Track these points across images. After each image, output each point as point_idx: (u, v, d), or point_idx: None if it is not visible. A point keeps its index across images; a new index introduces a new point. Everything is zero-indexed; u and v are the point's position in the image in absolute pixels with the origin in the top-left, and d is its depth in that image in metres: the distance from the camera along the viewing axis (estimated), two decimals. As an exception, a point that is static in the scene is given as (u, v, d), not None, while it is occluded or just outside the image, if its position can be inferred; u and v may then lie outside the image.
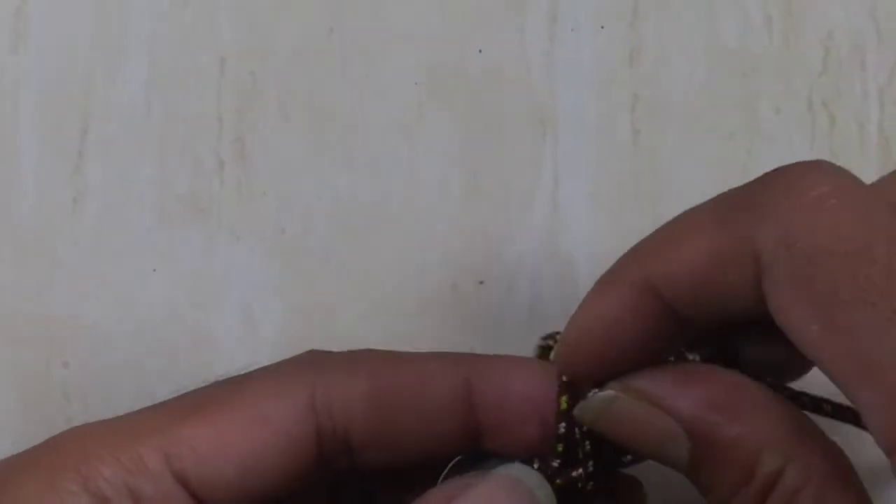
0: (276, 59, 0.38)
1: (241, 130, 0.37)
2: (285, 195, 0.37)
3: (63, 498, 0.26)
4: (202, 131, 0.37)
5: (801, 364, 0.29)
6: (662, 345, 0.27)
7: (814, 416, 0.28)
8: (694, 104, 0.38)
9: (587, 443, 0.28)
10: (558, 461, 0.28)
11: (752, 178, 0.37)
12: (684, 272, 0.26)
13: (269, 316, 0.37)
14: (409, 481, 0.30)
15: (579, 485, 0.28)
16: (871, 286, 0.23)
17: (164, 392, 0.36)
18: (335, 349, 0.30)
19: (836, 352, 0.23)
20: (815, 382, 0.28)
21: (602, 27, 0.38)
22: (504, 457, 0.28)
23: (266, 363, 0.34)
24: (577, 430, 0.28)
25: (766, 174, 0.26)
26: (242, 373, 0.29)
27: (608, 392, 0.27)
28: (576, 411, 0.28)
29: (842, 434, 0.27)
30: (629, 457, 0.29)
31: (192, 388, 0.32)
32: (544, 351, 0.29)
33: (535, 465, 0.28)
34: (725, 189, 0.37)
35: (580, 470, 0.28)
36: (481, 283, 0.37)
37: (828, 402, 0.28)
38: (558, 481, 0.28)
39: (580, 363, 0.28)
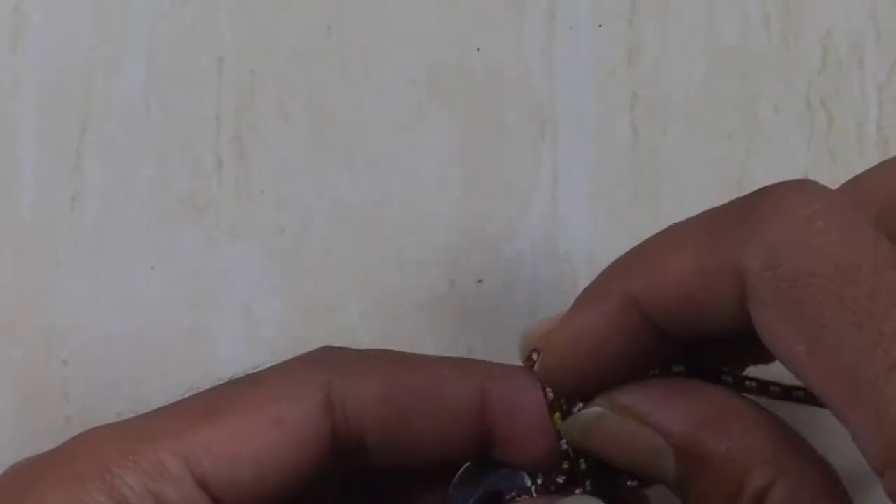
0: (276, 58, 0.38)
1: (241, 130, 0.37)
2: (284, 194, 0.37)
3: None
4: (201, 131, 0.37)
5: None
6: (646, 358, 0.27)
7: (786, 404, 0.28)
8: (693, 103, 0.38)
9: (581, 461, 0.28)
10: (563, 478, 0.28)
11: (750, 176, 0.37)
12: (668, 289, 0.26)
13: (269, 315, 0.37)
14: (420, 481, 0.30)
15: None
16: (858, 307, 0.23)
17: (163, 392, 0.36)
18: (336, 348, 0.31)
19: (823, 373, 0.23)
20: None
21: (600, 26, 0.38)
22: (513, 466, 0.29)
23: (266, 362, 0.34)
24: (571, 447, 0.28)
25: (752, 193, 0.26)
26: (256, 371, 0.29)
27: (594, 409, 0.28)
28: (562, 428, 0.28)
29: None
30: (635, 482, 0.28)
31: (192, 387, 0.32)
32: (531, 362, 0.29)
33: (539, 480, 0.28)
34: (724, 188, 0.37)
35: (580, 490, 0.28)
36: (480, 281, 0.37)
37: (799, 388, 0.28)
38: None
39: (562, 375, 0.28)
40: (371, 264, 0.37)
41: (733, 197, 0.37)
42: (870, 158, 0.37)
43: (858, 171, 0.37)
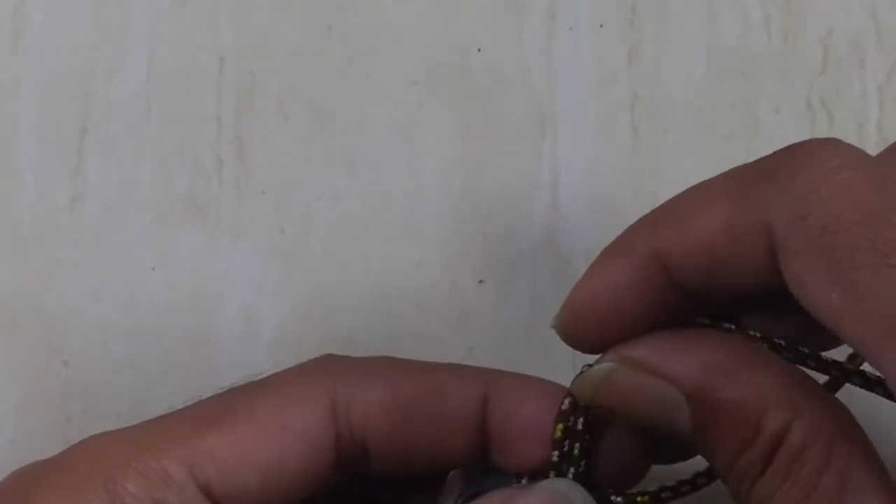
0: (276, 58, 0.38)
1: (241, 130, 0.37)
2: (285, 195, 0.37)
3: None
4: (202, 131, 0.37)
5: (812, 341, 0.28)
6: (666, 317, 0.27)
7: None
8: (693, 103, 0.38)
9: (572, 469, 0.28)
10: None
11: (751, 177, 0.37)
12: (694, 245, 0.26)
13: (269, 315, 0.37)
14: (414, 485, 0.30)
15: None
16: (890, 249, 0.23)
17: (164, 392, 0.36)
18: (335, 349, 0.31)
19: (857, 316, 0.23)
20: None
21: (601, 26, 0.38)
22: (503, 472, 0.29)
23: (266, 363, 0.34)
24: (575, 450, 0.28)
25: (780, 150, 0.26)
26: (260, 378, 0.29)
27: (605, 364, 0.27)
28: (573, 387, 0.28)
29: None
30: (619, 498, 0.28)
31: (192, 387, 0.32)
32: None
33: (524, 481, 0.28)
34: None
35: None
36: (481, 282, 0.37)
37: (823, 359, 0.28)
38: None
39: (580, 328, 0.28)
40: (371, 265, 0.37)
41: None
42: (870, 159, 0.37)
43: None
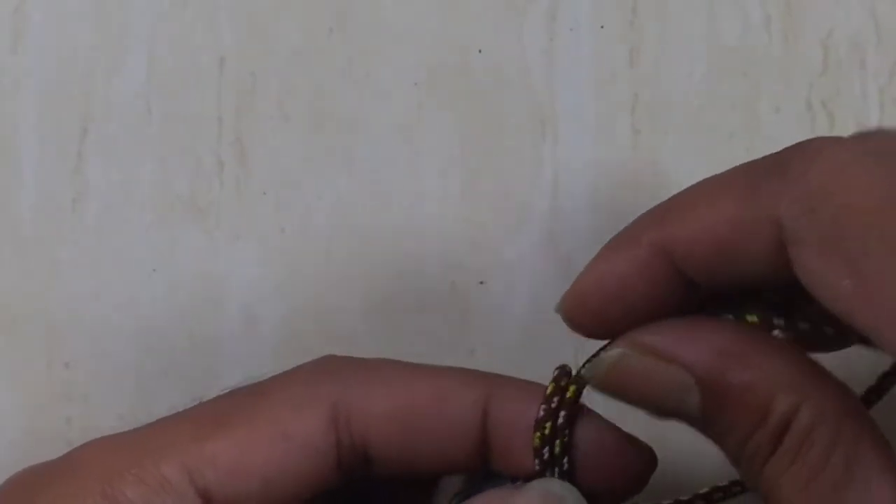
0: (276, 59, 0.38)
1: (241, 131, 0.37)
2: (285, 195, 0.37)
3: None
4: (202, 131, 0.37)
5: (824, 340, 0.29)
6: (669, 306, 0.27)
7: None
8: (693, 104, 0.38)
9: (556, 469, 0.28)
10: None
11: (751, 177, 0.37)
12: (702, 238, 0.26)
13: (269, 316, 0.37)
14: (420, 485, 0.31)
15: None
16: None
17: (164, 393, 0.36)
18: (335, 349, 0.31)
19: (870, 303, 0.23)
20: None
21: (602, 27, 0.38)
22: (502, 476, 0.29)
23: (267, 363, 0.34)
24: (557, 446, 0.28)
25: (788, 147, 0.26)
26: (261, 381, 0.29)
27: (616, 350, 0.27)
28: (584, 372, 0.28)
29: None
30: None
31: (193, 387, 0.32)
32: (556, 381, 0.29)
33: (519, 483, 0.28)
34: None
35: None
36: (481, 283, 0.37)
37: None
38: None
39: (584, 313, 0.28)
40: (372, 265, 0.37)
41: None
42: (870, 159, 0.37)
43: (859, 172, 0.37)
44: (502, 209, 0.37)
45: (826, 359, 0.27)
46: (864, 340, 0.26)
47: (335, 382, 0.29)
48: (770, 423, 0.25)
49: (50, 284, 0.36)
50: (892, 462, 0.25)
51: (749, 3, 0.38)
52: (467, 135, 0.37)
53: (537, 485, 0.28)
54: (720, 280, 0.27)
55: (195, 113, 0.37)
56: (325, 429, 0.28)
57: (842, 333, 0.27)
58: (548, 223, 0.37)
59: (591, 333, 0.28)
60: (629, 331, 0.27)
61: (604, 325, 0.28)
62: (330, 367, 0.29)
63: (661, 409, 0.27)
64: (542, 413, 0.28)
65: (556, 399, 0.28)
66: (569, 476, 0.28)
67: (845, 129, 0.37)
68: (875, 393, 0.29)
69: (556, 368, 0.29)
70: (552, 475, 0.28)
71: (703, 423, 0.27)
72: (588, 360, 0.28)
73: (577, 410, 0.28)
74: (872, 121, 0.38)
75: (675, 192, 0.37)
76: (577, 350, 0.31)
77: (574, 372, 0.29)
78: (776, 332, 0.27)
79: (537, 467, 0.28)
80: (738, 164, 0.37)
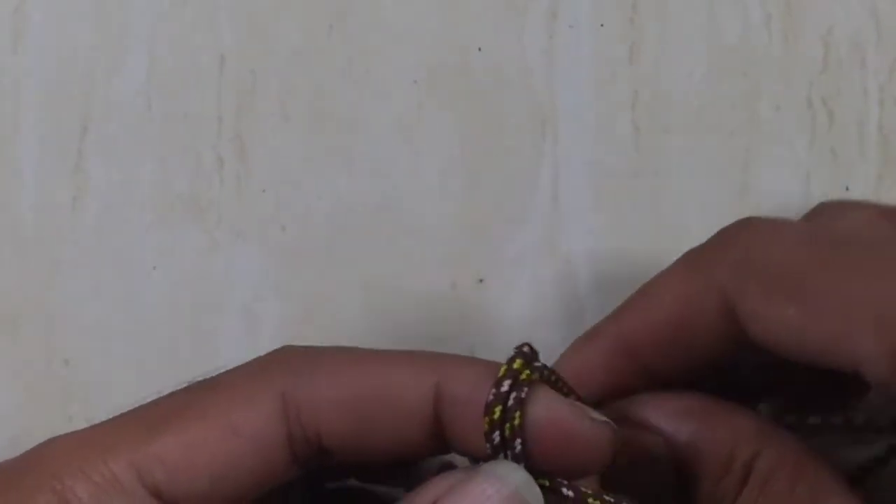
0: (277, 58, 0.38)
1: (241, 129, 0.37)
2: (285, 194, 0.37)
3: None
4: (202, 130, 0.37)
5: None
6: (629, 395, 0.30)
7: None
8: (694, 102, 0.38)
9: (518, 443, 0.28)
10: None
11: (752, 176, 0.37)
12: (656, 320, 0.29)
13: (269, 314, 0.37)
14: (387, 473, 0.31)
15: None
16: (826, 263, 0.27)
17: (164, 391, 0.36)
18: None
19: (814, 319, 0.26)
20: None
21: (601, 25, 0.38)
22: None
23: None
24: (507, 430, 0.28)
25: (721, 229, 0.30)
26: (214, 375, 0.29)
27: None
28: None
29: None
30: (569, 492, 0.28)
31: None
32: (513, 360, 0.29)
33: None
34: (725, 187, 0.37)
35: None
36: (481, 281, 0.37)
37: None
38: None
39: None
40: (372, 264, 0.37)
41: (734, 196, 0.37)
42: (871, 157, 0.37)
43: (859, 170, 0.37)
44: (502, 208, 0.37)
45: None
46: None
47: (285, 373, 0.29)
48: (733, 471, 0.28)
49: (50, 283, 0.36)
50: (853, 493, 0.27)
51: (749, 1, 0.38)
52: (467, 134, 0.37)
53: (486, 468, 0.27)
54: (679, 366, 0.29)
55: (195, 112, 0.37)
56: (275, 421, 0.28)
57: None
58: (548, 222, 0.37)
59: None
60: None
61: None
62: (280, 358, 0.29)
63: (636, 468, 0.29)
64: (491, 397, 0.28)
65: (507, 382, 0.28)
66: (523, 457, 0.28)
67: (845, 126, 0.37)
68: (865, 471, 0.31)
69: (516, 347, 0.29)
70: (505, 457, 0.28)
71: (677, 476, 0.29)
72: (508, 417, 0.28)
73: (529, 391, 0.28)
74: (872, 119, 0.37)
75: (675, 190, 0.37)
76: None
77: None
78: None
79: (489, 451, 0.28)
80: (738, 162, 0.37)
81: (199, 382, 0.29)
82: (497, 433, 0.28)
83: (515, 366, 0.28)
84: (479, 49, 0.38)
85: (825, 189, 0.37)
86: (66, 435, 0.28)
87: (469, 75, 0.38)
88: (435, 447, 0.29)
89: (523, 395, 0.28)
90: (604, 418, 0.28)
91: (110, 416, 0.29)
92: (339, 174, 0.37)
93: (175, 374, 0.36)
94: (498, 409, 0.28)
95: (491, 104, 0.38)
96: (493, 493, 0.26)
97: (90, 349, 0.36)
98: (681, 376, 0.30)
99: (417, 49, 0.38)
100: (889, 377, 0.25)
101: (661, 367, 0.29)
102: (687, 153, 0.37)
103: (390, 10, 0.38)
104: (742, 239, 0.29)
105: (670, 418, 0.29)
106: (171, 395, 0.29)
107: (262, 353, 0.36)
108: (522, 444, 0.28)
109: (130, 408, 0.30)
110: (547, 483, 0.28)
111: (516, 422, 0.27)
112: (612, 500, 0.28)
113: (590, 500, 0.28)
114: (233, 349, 0.36)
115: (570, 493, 0.28)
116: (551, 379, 0.29)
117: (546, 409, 0.28)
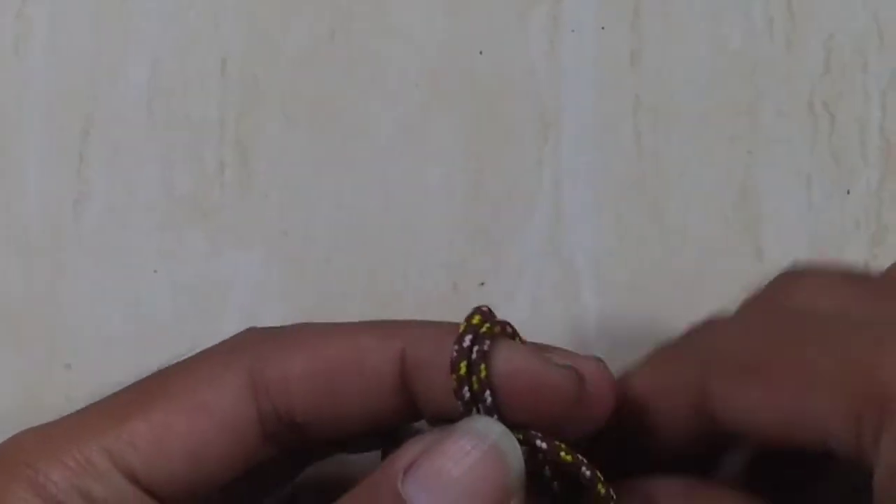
0: (279, 61, 0.38)
1: (244, 133, 0.37)
2: (288, 198, 0.37)
3: None
4: (205, 134, 0.37)
5: None
6: None
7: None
8: (696, 106, 0.38)
9: (488, 395, 0.28)
10: None
11: (753, 180, 0.37)
12: (627, 421, 0.29)
13: (272, 318, 0.36)
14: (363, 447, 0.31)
15: None
16: (784, 342, 0.27)
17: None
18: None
19: (781, 396, 0.26)
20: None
21: (603, 29, 0.38)
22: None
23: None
24: (474, 384, 0.28)
25: (685, 332, 0.30)
26: (183, 359, 0.29)
27: None
28: None
29: None
30: (544, 443, 0.28)
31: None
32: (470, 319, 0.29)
33: None
34: (727, 191, 0.37)
35: None
36: (482, 285, 0.37)
37: None
38: None
39: None
40: (374, 268, 0.37)
41: (736, 200, 0.37)
42: (873, 161, 0.37)
43: (861, 174, 0.37)
44: (504, 211, 0.37)
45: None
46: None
47: (251, 351, 0.29)
48: None
49: (52, 286, 0.36)
50: None
51: (752, 5, 0.38)
52: (469, 137, 0.37)
53: (461, 425, 0.27)
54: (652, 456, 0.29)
55: (198, 116, 0.37)
56: (243, 397, 0.28)
57: None
58: (550, 225, 0.37)
59: None
60: None
61: None
62: (245, 337, 0.30)
63: None
64: (455, 353, 0.28)
65: (468, 337, 0.28)
66: (495, 410, 0.28)
67: (847, 130, 0.37)
68: None
69: (474, 308, 0.29)
70: (478, 412, 0.28)
71: None
72: (474, 369, 0.28)
73: (491, 344, 0.28)
74: (874, 123, 0.37)
75: (677, 193, 0.37)
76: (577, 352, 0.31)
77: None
78: None
79: (461, 409, 0.28)
80: (740, 166, 0.37)
81: (168, 367, 0.29)
82: (466, 388, 0.28)
83: (474, 321, 0.28)
84: (482, 53, 0.38)
85: (827, 193, 0.37)
86: (37, 426, 0.28)
87: (471, 79, 0.38)
88: (407, 414, 0.29)
89: (486, 347, 0.28)
90: (565, 362, 0.28)
91: (56, 419, 0.29)
92: (342, 178, 0.37)
93: (177, 377, 0.36)
94: (463, 365, 0.28)
95: (493, 108, 0.38)
96: (471, 449, 0.26)
97: (92, 353, 0.36)
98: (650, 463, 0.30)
99: (420, 53, 0.38)
100: (854, 448, 0.25)
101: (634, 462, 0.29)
102: (689, 157, 0.37)
103: (393, 14, 0.38)
104: (706, 334, 0.29)
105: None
106: (140, 381, 0.29)
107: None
108: (492, 395, 0.28)
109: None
110: (521, 437, 0.28)
111: (482, 374, 0.28)
112: (582, 456, 0.28)
113: (562, 453, 0.28)
114: (235, 353, 0.36)
115: (544, 445, 0.28)
116: (509, 332, 0.29)
117: (509, 358, 0.28)
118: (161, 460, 0.27)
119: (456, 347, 0.28)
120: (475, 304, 0.30)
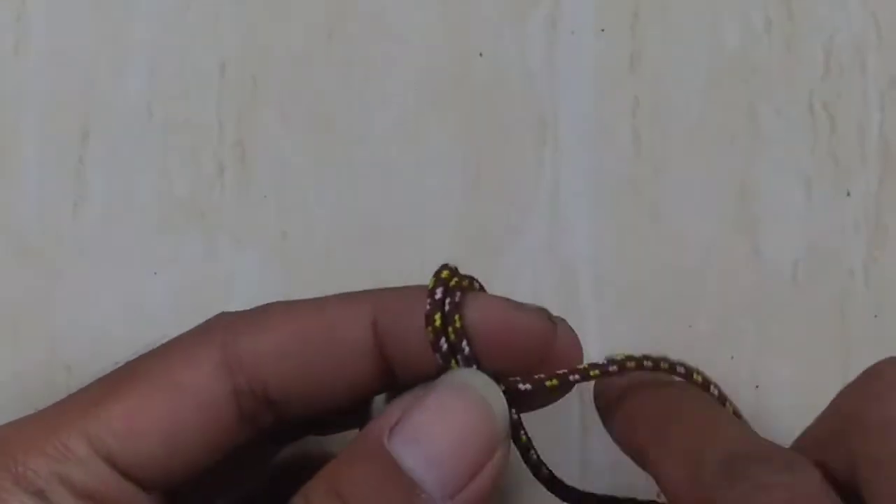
0: (277, 64, 0.38)
1: (242, 135, 0.37)
2: (286, 200, 0.37)
3: None
4: (203, 136, 0.37)
5: None
6: None
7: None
8: (695, 108, 0.38)
9: (458, 356, 0.28)
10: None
11: (752, 182, 0.37)
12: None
13: (271, 320, 0.37)
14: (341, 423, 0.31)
15: None
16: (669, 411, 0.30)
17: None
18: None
19: (662, 446, 0.28)
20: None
21: (602, 31, 0.38)
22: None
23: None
24: (451, 335, 0.28)
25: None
26: (158, 345, 0.29)
27: None
28: None
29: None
30: (528, 385, 0.28)
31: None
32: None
33: None
34: (726, 193, 0.37)
35: None
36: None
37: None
38: None
39: None
40: (372, 270, 0.37)
41: (735, 202, 0.37)
42: (872, 163, 0.37)
43: (860, 176, 0.37)
44: (503, 213, 0.37)
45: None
46: None
47: (224, 330, 0.29)
48: None
49: (51, 288, 0.36)
50: None
51: (751, 7, 0.38)
52: (468, 139, 0.37)
53: (444, 378, 0.28)
54: None
55: (196, 118, 0.37)
56: (218, 376, 0.28)
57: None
58: (548, 227, 0.37)
59: None
60: None
61: None
62: (218, 318, 0.30)
63: None
64: (428, 307, 0.28)
65: (439, 290, 0.28)
66: (473, 359, 0.28)
67: (847, 132, 0.37)
68: None
69: (441, 265, 0.29)
70: (457, 363, 0.28)
71: None
72: (449, 320, 0.28)
73: (461, 295, 0.28)
74: (874, 124, 0.37)
75: (676, 197, 0.37)
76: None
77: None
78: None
79: (440, 362, 0.28)
80: (739, 169, 0.37)
81: (145, 353, 0.29)
82: (443, 339, 0.28)
83: (443, 276, 0.29)
84: (480, 55, 0.38)
85: (826, 195, 0.37)
86: (24, 417, 0.29)
87: (470, 80, 0.38)
88: (383, 383, 0.29)
89: (457, 298, 0.28)
90: (535, 305, 0.28)
91: (35, 412, 0.29)
92: (340, 180, 0.37)
93: (176, 379, 0.36)
94: (438, 317, 0.28)
95: (492, 110, 0.38)
96: (455, 401, 0.27)
97: (91, 356, 0.36)
98: None
99: (418, 55, 0.38)
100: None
101: None
102: (688, 159, 0.37)
103: (391, 16, 0.38)
104: (674, 428, 0.30)
105: None
106: (119, 367, 0.29)
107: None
108: (469, 344, 0.28)
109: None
110: (503, 387, 0.28)
111: (457, 324, 0.28)
112: (561, 372, 0.28)
113: (547, 382, 0.28)
114: (234, 355, 0.36)
115: (528, 387, 0.28)
116: (476, 286, 0.29)
117: (482, 306, 0.28)
118: (137, 443, 0.28)
119: (429, 300, 0.28)
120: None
